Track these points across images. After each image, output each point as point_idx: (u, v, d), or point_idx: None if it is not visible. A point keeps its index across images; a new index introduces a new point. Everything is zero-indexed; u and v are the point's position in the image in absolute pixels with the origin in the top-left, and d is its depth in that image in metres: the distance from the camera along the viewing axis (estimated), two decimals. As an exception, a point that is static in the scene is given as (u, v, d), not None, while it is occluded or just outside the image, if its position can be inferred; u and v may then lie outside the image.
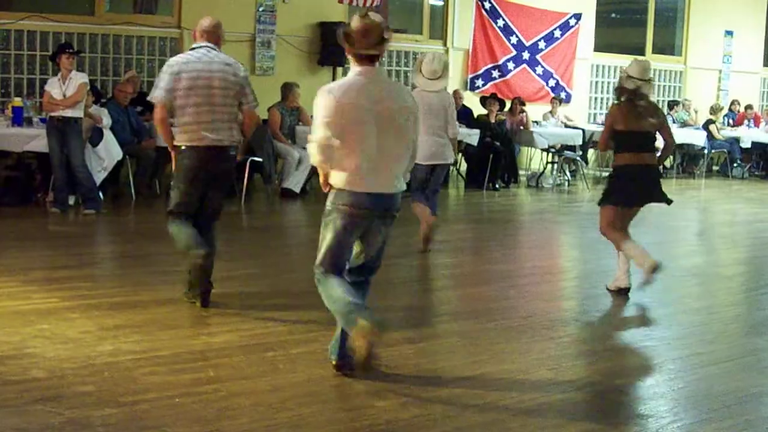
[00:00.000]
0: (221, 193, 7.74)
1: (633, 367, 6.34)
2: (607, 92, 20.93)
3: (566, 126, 18.42)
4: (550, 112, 18.68)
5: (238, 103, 7.52)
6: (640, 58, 9.63)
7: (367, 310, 5.54)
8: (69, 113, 11.61)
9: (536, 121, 18.12)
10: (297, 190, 14.22)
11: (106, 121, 12.51)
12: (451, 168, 17.07)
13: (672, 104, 21.29)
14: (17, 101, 12.47)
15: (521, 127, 17.61)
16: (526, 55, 19.34)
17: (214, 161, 7.41)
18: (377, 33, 5.73)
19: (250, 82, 7.62)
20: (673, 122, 20.63)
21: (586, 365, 6.44)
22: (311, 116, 14.47)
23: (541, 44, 19.54)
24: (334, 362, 5.92)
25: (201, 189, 7.46)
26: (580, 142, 17.86)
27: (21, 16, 13.87)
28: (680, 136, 20.01)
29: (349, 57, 5.86)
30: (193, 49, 7.47)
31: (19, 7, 14.32)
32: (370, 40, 5.71)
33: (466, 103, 17.37)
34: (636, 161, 8.54)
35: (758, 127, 21.84)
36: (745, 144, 21.10)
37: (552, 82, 19.78)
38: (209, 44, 7.47)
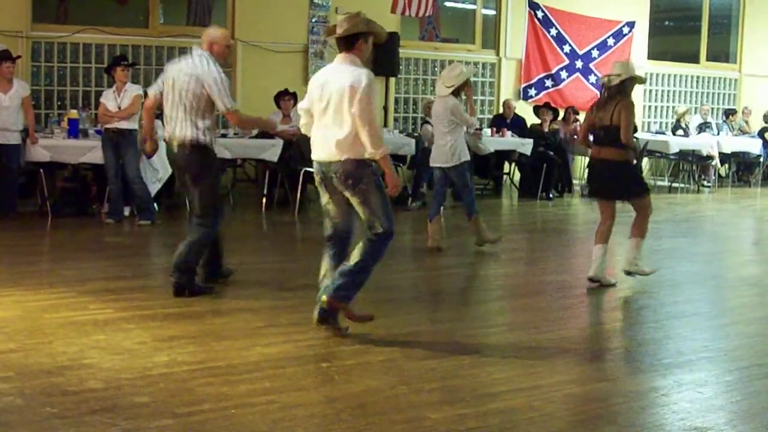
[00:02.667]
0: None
1: (690, 379, 6.26)
2: (661, 100, 20.81)
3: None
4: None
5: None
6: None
7: None
8: (124, 125, 11.73)
9: (590, 130, 18.00)
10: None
11: (161, 132, 12.57)
12: (504, 178, 17.07)
13: (728, 112, 21.10)
14: (73, 113, 12.59)
15: (575, 137, 17.51)
16: (579, 64, 19.26)
17: None
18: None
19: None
20: (731, 130, 20.47)
21: (643, 377, 6.37)
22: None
23: (594, 53, 19.45)
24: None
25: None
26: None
27: (76, 29, 14.02)
28: (736, 144, 19.90)
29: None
30: None
31: (74, 20, 14.46)
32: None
33: (519, 112, 17.33)
34: (593, 155, 9.23)
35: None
36: (802, 151, 20.88)
37: (605, 91, 19.65)
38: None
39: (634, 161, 9.23)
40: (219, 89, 7.91)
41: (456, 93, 10.54)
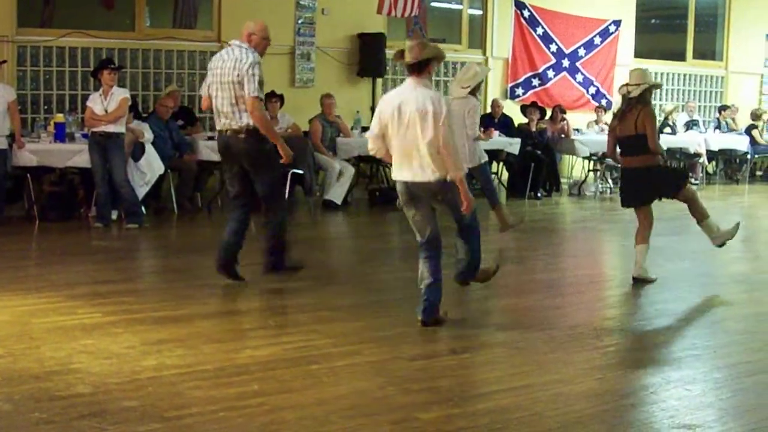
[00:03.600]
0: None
1: (679, 377, 6.26)
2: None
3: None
4: (595, 121, 18.57)
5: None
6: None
7: None
8: (111, 128, 11.70)
9: (577, 129, 18.04)
10: (339, 201, 14.24)
11: (148, 135, 12.57)
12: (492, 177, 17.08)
13: (721, 108, 21.14)
14: (60, 117, 12.57)
15: (562, 135, 17.54)
16: (565, 63, 19.27)
17: None
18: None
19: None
20: (718, 128, 20.51)
21: (632, 375, 6.38)
22: (351, 127, 14.59)
23: (581, 51, 19.46)
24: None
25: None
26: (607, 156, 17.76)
27: (62, 32, 13.97)
28: (723, 141, 19.96)
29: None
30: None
31: (60, 24, 14.41)
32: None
33: (506, 111, 17.32)
34: (624, 164, 9.45)
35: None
36: (789, 148, 20.94)
37: (592, 90, 19.69)
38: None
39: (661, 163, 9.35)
40: (250, 76, 8.08)
41: (472, 93, 10.60)
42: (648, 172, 9.09)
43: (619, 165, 9.57)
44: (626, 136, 9.10)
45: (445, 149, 6.89)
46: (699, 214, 9.36)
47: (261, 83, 8.14)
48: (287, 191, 13.27)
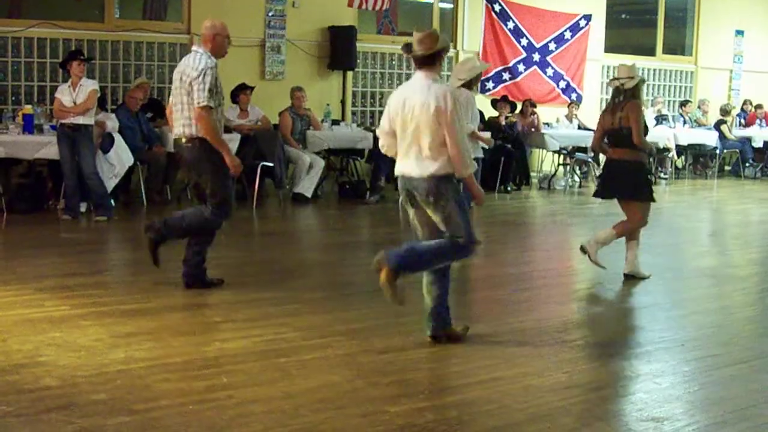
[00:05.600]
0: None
1: (648, 370, 6.29)
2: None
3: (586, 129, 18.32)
4: (566, 116, 18.61)
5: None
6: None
7: None
8: (80, 120, 11.63)
9: (547, 123, 18.09)
10: (308, 194, 14.23)
11: (112, 124, 12.48)
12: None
13: (682, 103, 21.26)
14: (28, 109, 12.49)
15: (532, 129, 17.58)
16: (536, 57, 19.31)
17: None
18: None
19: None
20: (684, 123, 20.61)
21: (601, 368, 6.40)
22: (321, 120, 14.56)
23: (552, 46, 19.51)
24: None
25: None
26: (592, 152, 17.81)
27: (31, 23, 13.89)
28: (692, 136, 20.06)
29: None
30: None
31: (28, 14, 14.35)
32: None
33: (477, 105, 17.29)
34: (609, 155, 9.43)
35: (769, 126, 21.79)
36: (757, 144, 21.07)
37: (563, 84, 19.75)
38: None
39: (648, 161, 9.31)
40: (199, 83, 7.91)
41: (468, 86, 10.54)
42: (632, 167, 9.09)
43: (607, 155, 9.52)
44: (613, 129, 9.13)
45: (453, 147, 6.53)
46: (621, 230, 9.25)
47: (212, 91, 7.92)
48: (257, 184, 13.30)
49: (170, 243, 8.29)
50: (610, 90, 9.52)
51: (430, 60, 6.73)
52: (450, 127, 6.51)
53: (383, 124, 6.90)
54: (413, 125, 6.61)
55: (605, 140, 9.34)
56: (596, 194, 9.61)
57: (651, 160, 18.88)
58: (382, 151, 7.05)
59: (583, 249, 9.29)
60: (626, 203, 9.23)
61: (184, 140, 8.11)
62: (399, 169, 6.82)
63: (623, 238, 9.28)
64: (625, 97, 9.09)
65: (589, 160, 17.79)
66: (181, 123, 8.07)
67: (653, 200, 9.30)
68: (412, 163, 6.67)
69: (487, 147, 11.86)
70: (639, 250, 9.30)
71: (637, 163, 9.13)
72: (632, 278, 9.17)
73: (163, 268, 8.37)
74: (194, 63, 7.96)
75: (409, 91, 6.75)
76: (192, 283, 8.20)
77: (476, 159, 10.77)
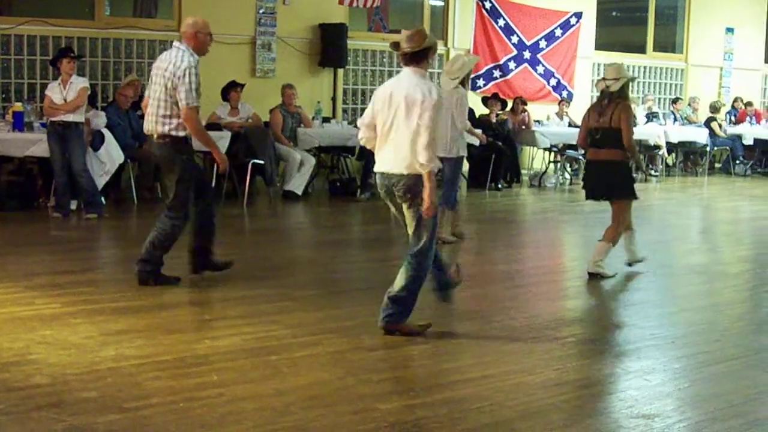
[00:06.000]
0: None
1: (638, 367, 6.30)
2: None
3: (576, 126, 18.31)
4: (557, 113, 18.61)
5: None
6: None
7: None
8: (70, 118, 11.60)
9: (538, 121, 18.10)
10: (299, 192, 14.21)
11: (98, 121, 12.43)
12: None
13: (673, 100, 21.29)
14: (18, 106, 12.45)
15: (523, 127, 17.59)
16: (527, 55, 19.31)
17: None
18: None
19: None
20: (675, 120, 20.63)
21: (591, 365, 6.41)
22: (312, 118, 14.54)
23: (542, 43, 19.51)
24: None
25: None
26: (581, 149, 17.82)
27: (21, 20, 13.86)
28: (682, 133, 20.08)
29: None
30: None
31: (19, 11, 14.31)
32: None
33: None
34: (590, 156, 9.49)
35: (760, 123, 21.80)
36: (748, 141, 21.07)
37: (553, 81, 19.75)
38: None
39: (631, 162, 9.30)
40: (185, 83, 7.87)
41: (462, 84, 10.56)
42: (616, 167, 9.11)
43: (588, 155, 9.54)
44: (601, 128, 9.09)
45: (422, 139, 6.57)
46: (611, 235, 9.26)
47: (198, 91, 7.93)
48: (248, 181, 13.29)
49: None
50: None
51: (418, 57, 6.81)
52: (427, 116, 6.59)
53: (365, 117, 6.99)
54: (397, 121, 6.69)
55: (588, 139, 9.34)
56: (588, 196, 9.57)
57: (643, 157, 18.97)
58: (361, 143, 7.17)
59: (593, 275, 9.21)
60: (616, 203, 9.24)
61: (155, 137, 8.09)
62: (379, 166, 6.91)
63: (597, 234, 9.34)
64: (611, 100, 9.09)
65: (580, 157, 17.76)
66: (154, 120, 8.03)
67: (633, 198, 9.33)
68: (392, 159, 6.76)
69: (480, 142, 11.84)
70: (611, 251, 9.30)
71: (624, 162, 9.15)
72: (598, 277, 9.16)
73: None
74: (176, 60, 7.94)
75: (395, 86, 6.81)
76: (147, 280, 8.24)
77: (462, 157, 10.79)
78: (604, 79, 9.31)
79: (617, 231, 9.23)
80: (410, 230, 6.85)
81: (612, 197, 9.24)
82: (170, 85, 7.88)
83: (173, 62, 7.91)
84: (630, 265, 9.41)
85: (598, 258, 9.13)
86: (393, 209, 7.06)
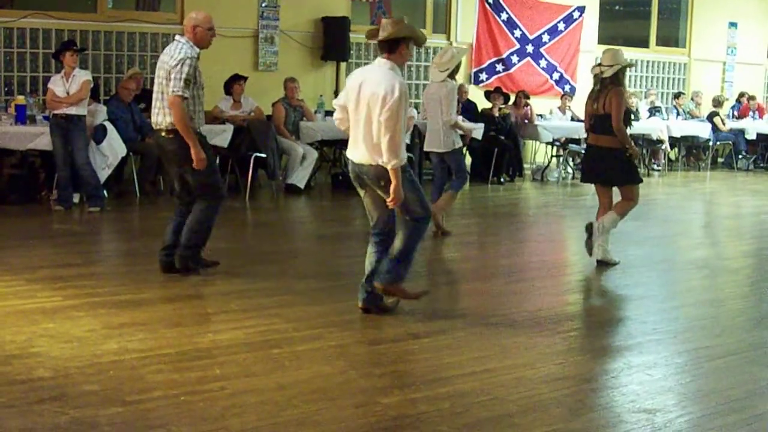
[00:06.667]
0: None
1: (640, 361, 6.30)
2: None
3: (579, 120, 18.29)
4: (560, 107, 18.59)
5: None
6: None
7: None
8: (73, 111, 11.60)
9: (541, 115, 18.09)
10: (301, 185, 14.21)
11: (100, 116, 12.43)
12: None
13: (676, 95, 21.27)
14: (20, 99, 12.46)
15: (526, 121, 17.57)
16: (529, 49, 19.29)
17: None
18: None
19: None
20: (678, 115, 20.62)
21: (593, 359, 6.41)
22: (314, 111, 14.50)
23: (545, 37, 19.49)
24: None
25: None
26: (585, 135, 17.79)
27: (24, 13, 13.86)
28: (685, 128, 20.06)
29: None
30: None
31: (21, 4, 14.30)
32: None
33: (470, 97, 17.32)
34: (590, 142, 9.58)
35: (762, 118, 21.78)
36: (750, 135, 21.06)
37: (556, 75, 19.74)
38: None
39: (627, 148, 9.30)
40: (176, 73, 7.89)
41: (451, 76, 10.56)
42: (613, 154, 9.13)
43: (588, 140, 9.62)
44: (596, 114, 9.20)
45: (385, 134, 6.61)
46: (621, 209, 9.29)
47: (188, 81, 7.89)
48: (250, 175, 13.29)
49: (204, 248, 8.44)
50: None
51: (391, 46, 6.84)
52: (388, 116, 6.61)
53: (340, 98, 7.12)
54: (365, 111, 6.78)
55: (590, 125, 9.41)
56: (583, 179, 9.83)
57: (645, 152, 18.97)
58: (335, 123, 7.27)
59: (601, 262, 9.27)
60: (622, 188, 9.28)
61: (163, 132, 8.10)
62: (350, 153, 7.04)
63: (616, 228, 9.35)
64: (604, 85, 9.14)
65: (582, 151, 17.76)
66: (161, 113, 8.07)
67: (639, 181, 9.37)
68: (363, 151, 6.87)
69: (468, 137, 11.80)
70: (609, 237, 9.34)
71: (618, 149, 9.16)
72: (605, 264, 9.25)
73: (155, 259, 8.38)
74: (174, 53, 7.98)
75: (366, 77, 6.88)
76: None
77: (460, 147, 10.80)
78: (599, 64, 9.37)
79: (629, 206, 9.28)
80: (398, 211, 7.04)
81: (616, 184, 9.30)
82: (168, 77, 7.92)
83: (172, 55, 7.94)
84: (599, 263, 9.36)
85: (607, 225, 9.20)
86: (361, 193, 7.20)
